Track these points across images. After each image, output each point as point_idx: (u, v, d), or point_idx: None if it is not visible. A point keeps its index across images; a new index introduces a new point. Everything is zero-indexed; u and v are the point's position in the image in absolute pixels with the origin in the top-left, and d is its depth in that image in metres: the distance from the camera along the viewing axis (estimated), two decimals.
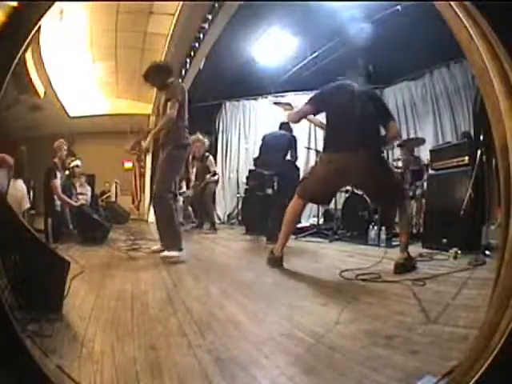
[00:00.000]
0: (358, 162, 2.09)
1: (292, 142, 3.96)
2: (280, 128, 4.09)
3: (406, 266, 2.11)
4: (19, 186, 3.32)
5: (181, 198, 5.65)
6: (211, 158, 5.20)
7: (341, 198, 4.26)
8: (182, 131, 2.69)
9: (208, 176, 5.00)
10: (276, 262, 2.28)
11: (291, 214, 2.31)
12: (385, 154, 2.62)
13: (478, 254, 2.27)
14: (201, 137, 4.92)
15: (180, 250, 2.50)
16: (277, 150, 3.88)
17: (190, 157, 5.34)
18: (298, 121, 2.48)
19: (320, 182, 2.23)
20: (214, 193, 5.10)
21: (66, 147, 3.80)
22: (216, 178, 5.22)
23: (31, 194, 3.48)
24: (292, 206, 2.30)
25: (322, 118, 2.41)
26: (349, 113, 2.15)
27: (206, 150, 5.12)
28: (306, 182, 2.36)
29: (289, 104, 2.70)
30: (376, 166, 2.17)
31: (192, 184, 5.29)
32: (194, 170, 5.19)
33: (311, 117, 2.42)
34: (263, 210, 4.06)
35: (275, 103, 3.00)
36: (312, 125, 7.05)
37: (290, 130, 4.02)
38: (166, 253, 2.48)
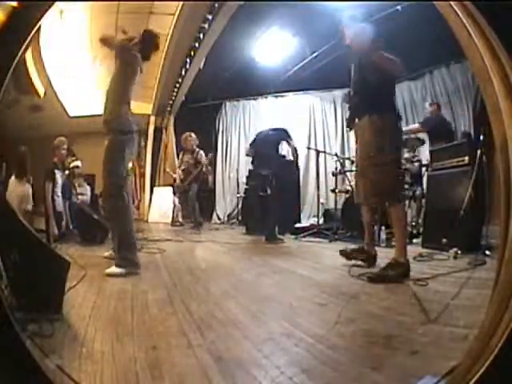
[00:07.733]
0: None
1: (283, 134, 4.03)
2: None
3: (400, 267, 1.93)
4: (22, 186, 3.32)
5: (176, 200, 5.68)
6: (202, 152, 5.21)
7: (341, 198, 4.26)
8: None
9: (194, 172, 5.02)
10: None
11: None
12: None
13: (478, 254, 2.26)
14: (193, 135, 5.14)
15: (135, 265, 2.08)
16: (268, 143, 3.99)
17: (180, 152, 5.41)
18: None
19: None
20: (198, 192, 5.11)
21: (65, 146, 3.79)
22: (200, 168, 5.13)
23: (32, 194, 3.48)
24: None
25: None
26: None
27: (197, 145, 5.19)
28: None
29: None
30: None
31: (177, 184, 5.33)
32: (183, 159, 5.22)
33: None
34: (263, 210, 4.07)
35: None
36: (312, 125, 7.07)
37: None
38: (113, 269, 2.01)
